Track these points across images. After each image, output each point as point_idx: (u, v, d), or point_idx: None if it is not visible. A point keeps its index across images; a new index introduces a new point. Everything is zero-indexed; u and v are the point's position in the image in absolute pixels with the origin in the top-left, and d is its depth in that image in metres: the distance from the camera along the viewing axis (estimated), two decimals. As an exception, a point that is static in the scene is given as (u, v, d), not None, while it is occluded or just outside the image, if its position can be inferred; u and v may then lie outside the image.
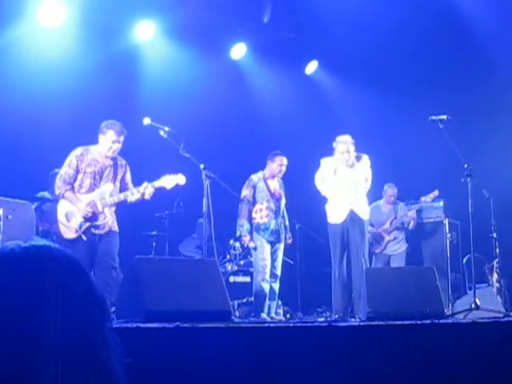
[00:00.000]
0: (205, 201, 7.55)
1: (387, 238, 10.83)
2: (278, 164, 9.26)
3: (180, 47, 11.11)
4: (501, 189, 9.58)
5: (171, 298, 5.41)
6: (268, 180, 9.27)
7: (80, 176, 7.41)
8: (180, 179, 7.42)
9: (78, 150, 7.52)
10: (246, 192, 9.14)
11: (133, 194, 7.39)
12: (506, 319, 6.64)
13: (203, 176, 7.60)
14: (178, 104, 10.41)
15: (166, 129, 7.60)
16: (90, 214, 7.31)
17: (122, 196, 7.45)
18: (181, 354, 4.18)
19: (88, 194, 7.42)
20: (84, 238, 7.28)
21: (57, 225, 7.45)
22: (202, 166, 7.60)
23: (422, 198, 10.62)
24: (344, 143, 8.79)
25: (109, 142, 7.41)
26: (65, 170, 7.44)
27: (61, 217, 7.41)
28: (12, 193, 7.37)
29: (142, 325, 4.52)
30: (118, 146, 7.45)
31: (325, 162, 9.00)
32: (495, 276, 9.77)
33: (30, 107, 9.32)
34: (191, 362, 4.15)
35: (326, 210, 8.91)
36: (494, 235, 9.42)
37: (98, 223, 7.39)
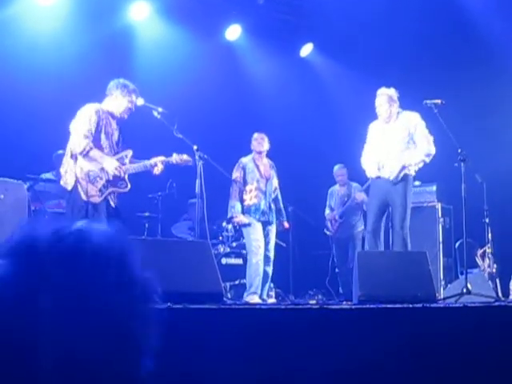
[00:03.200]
0: (198, 182, 7.55)
1: (339, 220, 10.84)
2: (255, 139, 9.39)
3: (174, 28, 11.07)
4: (494, 174, 9.59)
5: (163, 278, 5.38)
6: (257, 161, 9.31)
7: (102, 136, 6.89)
8: (189, 160, 7.37)
9: (95, 106, 6.95)
10: (236, 174, 9.18)
11: (152, 166, 7.08)
12: (496, 304, 6.66)
13: (196, 157, 7.59)
14: (171, 85, 10.37)
15: (160, 109, 7.56)
16: (116, 176, 6.83)
17: (142, 165, 7.08)
18: (172, 334, 4.18)
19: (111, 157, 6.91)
20: (112, 203, 6.87)
21: (78, 185, 6.68)
22: (195, 147, 7.59)
23: None
24: (379, 95, 8.40)
25: (130, 102, 7.09)
26: (87, 127, 6.76)
27: (84, 176, 6.71)
28: (4, 172, 7.33)
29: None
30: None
31: (370, 127, 8.53)
32: (487, 261, 9.79)
33: (24, 86, 9.28)
34: (182, 343, 4.15)
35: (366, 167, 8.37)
36: (487, 220, 9.44)
37: (120, 190, 6.94)
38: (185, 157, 7.34)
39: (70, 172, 6.77)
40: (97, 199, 6.75)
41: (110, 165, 6.82)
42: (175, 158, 7.27)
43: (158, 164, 7.12)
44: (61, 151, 7.68)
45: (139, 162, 7.15)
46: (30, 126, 9.35)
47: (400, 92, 10.81)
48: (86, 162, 6.76)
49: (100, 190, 6.77)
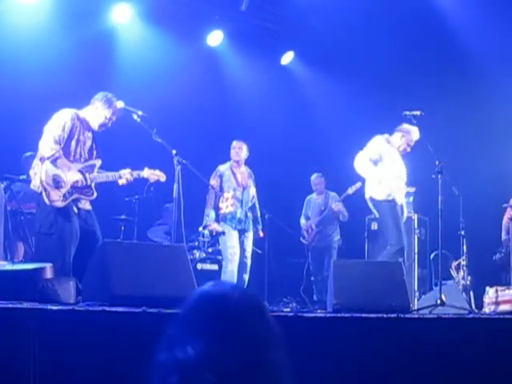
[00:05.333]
0: (175, 186, 7.51)
1: (315, 229, 10.88)
2: (233, 148, 9.38)
3: (157, 32, 11.06)
4: (470, 187, 9.64)
5: (138, 282, 5.37)
6: (235, 169, 9.29)
7: (73, 143, 6.83)
8: (161, 176, 7.36)
9: (71, 112, 6.88)
10: (213, 182, 9.14)
11: (120, 178, 7.03)
12: (470, 316, 6.70)
13: (175, 162, 7.53)
14: (152, 88, 10.36)
15: (140, 113, 7.50)
16: (78, 185, 6.77)
17: (110, 176, 7.03)
18: (146, 338, 4.16)
19: (76, 164, 6.86)
20: (75, 209, 6.77)
21: (42, 189, 6.65)
22: (174, 151, 7.54)
23: (348, 190, 10.56)
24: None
25: (107, 118, 7.06)
26: (59, 133, 6.71)
27: (48, 180, 6.64)
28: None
29: (107, 308, 4.49)
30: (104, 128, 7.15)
31: (383, 142, 8.49)
32: (461, 273, 9.85)
33: (4, 85, 9.23)
34: (157, 347, 4.13)
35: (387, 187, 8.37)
36: (462, 233, 9.49)
37: (84, 197, 6.87)
38: (157, 172, 7.30)
39: (38, 174, 6.72)
40: (59, 204, 6.68)
41: (71, 177, 6.76)
42: (147, 172, 7.22)
43: (126, 175, 7.07)
44: (29, 153, 7.61)
45: (107, 172, 7.11)
46: (9, 126, 9.28)
47: (379, 102, 10.86)
48: (52, 167, 6.70)
49: (64, 196, 6.70)
